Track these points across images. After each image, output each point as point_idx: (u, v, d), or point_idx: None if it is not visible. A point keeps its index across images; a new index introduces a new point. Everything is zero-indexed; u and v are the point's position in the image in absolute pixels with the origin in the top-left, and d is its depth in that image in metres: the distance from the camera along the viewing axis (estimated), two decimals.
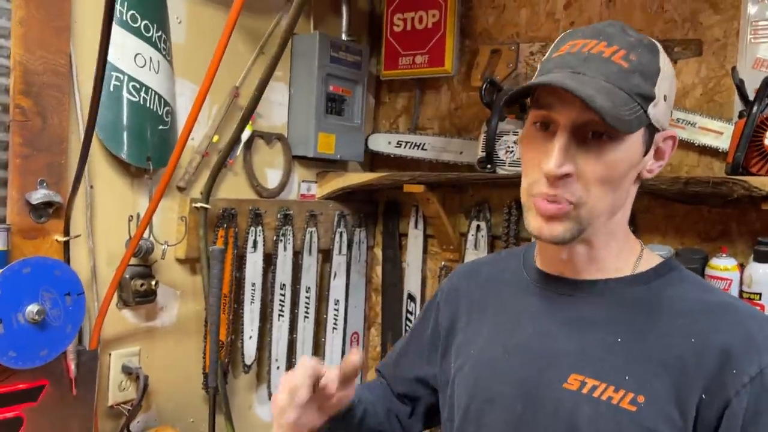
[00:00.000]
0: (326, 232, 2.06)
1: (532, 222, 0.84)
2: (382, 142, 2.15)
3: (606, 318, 0.85)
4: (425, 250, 2.17)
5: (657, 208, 1.76)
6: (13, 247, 1.28)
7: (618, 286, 0.87)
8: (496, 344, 0.91)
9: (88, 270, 1.46)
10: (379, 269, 2.28)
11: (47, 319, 1.18)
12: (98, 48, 0.96)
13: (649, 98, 0.80)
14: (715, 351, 0.77)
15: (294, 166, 1.98)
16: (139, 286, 1.52)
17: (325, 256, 2.10)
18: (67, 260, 1.37)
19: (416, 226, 2.16)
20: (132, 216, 1.48)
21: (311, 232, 1.99)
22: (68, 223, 1.34)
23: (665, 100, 0.84)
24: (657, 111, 0.82)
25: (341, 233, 2.10)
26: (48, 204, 1.32)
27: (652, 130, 0.83)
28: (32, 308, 1.16)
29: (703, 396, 0.76)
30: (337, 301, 2.11)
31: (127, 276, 1.51)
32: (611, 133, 0.79)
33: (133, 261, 1.54)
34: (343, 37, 2.04)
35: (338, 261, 2.10)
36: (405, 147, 2.11)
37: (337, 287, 2.11)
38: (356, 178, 2.02)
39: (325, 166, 2.09)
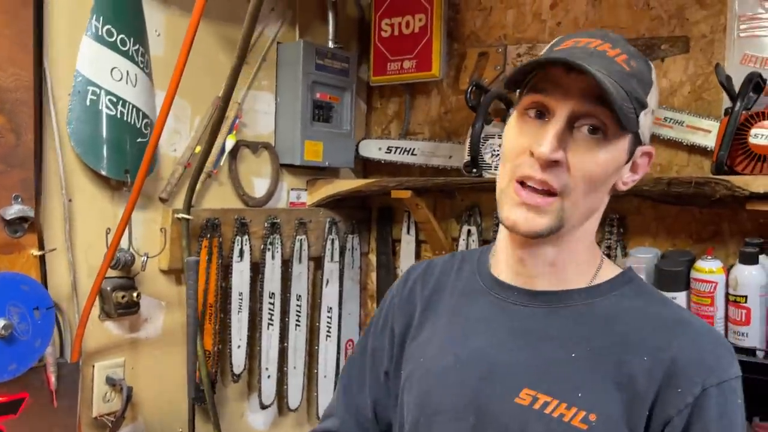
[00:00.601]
0: (317, 239, 2.05)
1: (508, 211, 0.81)
2: (373, 149, 2.14)
3: (560, 331, 0.83)
4: (418, 256, 2.15)
5: (647, 209, 1.73)
6: None
7: (573, 298, 0.85)
8: (448, 353, 0.89)
9: (69, 283, 1.48)
10: (374, 275, 2.27)
11: (15, 333, 1.20)
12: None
13: (643, 105, 0.80)
14: (665, 369, 0.76)
15: (282, 174, 1.99)
16: (120, 298, 1.53)
17: (317, 263, 2.09)
18: (44, 274, 1.39)
19: (408, 232, 2.15)
20: (109, 228, 1.49)
21: (301, 240, 1.98)
22: (41, 237, 1.36)
23: (652, 114, 0.84)
24: (645, 121, 0.82)
25: (333, 240, 2.09)
26: (23, 219, 1.33)
27: (636, 140, 0.83)
28: None
29: (647, 413, 0.76)
30: (330, 308, 2.11)
31: (108, 288, 1.52)
32: (607, 130, 0.78)
33: (115, 273, 1.55)
34: (330, 44, 2.03)
35: (330, 268, 2.10)
36: (395, 153, 2.09)
37: (329, 294, 2.10)
38: (344, 185, 2.01)
39: (315, 173, 2.09)
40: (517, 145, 0.81)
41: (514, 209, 0.80)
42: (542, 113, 0.80)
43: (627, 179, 0.86)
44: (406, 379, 0.93)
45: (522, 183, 0.80)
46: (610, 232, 1.74)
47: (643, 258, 1.55)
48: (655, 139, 1.69)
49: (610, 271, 0.88)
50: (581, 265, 0.87)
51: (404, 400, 0.93)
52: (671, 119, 1.65)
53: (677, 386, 0.75)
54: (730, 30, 1.60)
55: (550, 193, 0.79)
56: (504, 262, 0.91)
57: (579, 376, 0.79)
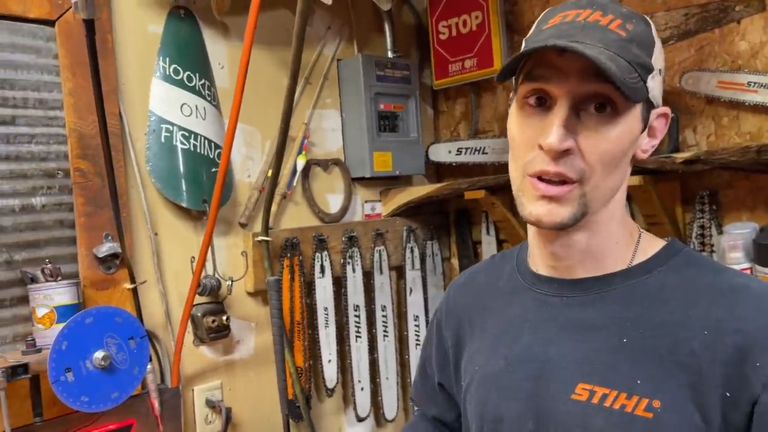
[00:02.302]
0: (396, 248, 2.06)
1: (530, 207, 0.77)
2: (443, 152, 2.13)
3: (608, 317, 0.78)
4: None
5: (740, 181, 1.62)
6: (88, 298, 1.39)
7: (617, 280, 0.80)
8: (498, 357, 0.86)
9: (162, 312, 1.55)
10: None
11: (114, 363, 1.27)
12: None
13: (649, 69, 0.75)
14: (731, 342, 0.70)
15: (355, 188, 2.01)
16: (211, 323, 1.59)
17: (399, 272, 2.09)
18: (138, 305, 1.47)
19: (488, 233, 2.11)
20: (194, 257, 1.56)
21: (380, 250, 1.99)
22: (131, 271, 1.43)
23: (660, 74, 0.79)
24: (654, 84, 0.77)
25: (412, 248, 2.09)
26: (114, 256, 1.42)
27: (648, 105, 0.78)
28: (98, 355, 1.25)
29: (727, 394, 0.69)
30: (417, 317, 2.10)
31: (199, 314, 1.58)
32: (615, 105, 0.74)
33: (204, 299, 1.62)
34: (389, 54, 2.05)
35: (412, 276, 2.09)
36: (465, 153, 2.07)
37: (414, 303, 2.09)
38: (417, 191, 2.01)
39: (388, 183, 2.10)
40: (524, 140, 0.77)
41: (535, 204, 0.77)
42: (543, 99, 0.76)
43: (646, 146, 0.81)
44: (466, 390, 0.91)
45: (538, 177, 0.76)
46: (701, 210, 1.64)
47: (739, 234, 1.45)
48: (739, 106, 1.58)
49: (652, 245, 0.82)
50: (618, 244, 0.82)
51: (467, 411, 0.91)
52: (755, 83, 1.54)
53: (754, 360, 0.68)
54: None
55: (567, 182, 0.75)
56: (538, 255, 0.87)
57: (635, 362, 0.74)
